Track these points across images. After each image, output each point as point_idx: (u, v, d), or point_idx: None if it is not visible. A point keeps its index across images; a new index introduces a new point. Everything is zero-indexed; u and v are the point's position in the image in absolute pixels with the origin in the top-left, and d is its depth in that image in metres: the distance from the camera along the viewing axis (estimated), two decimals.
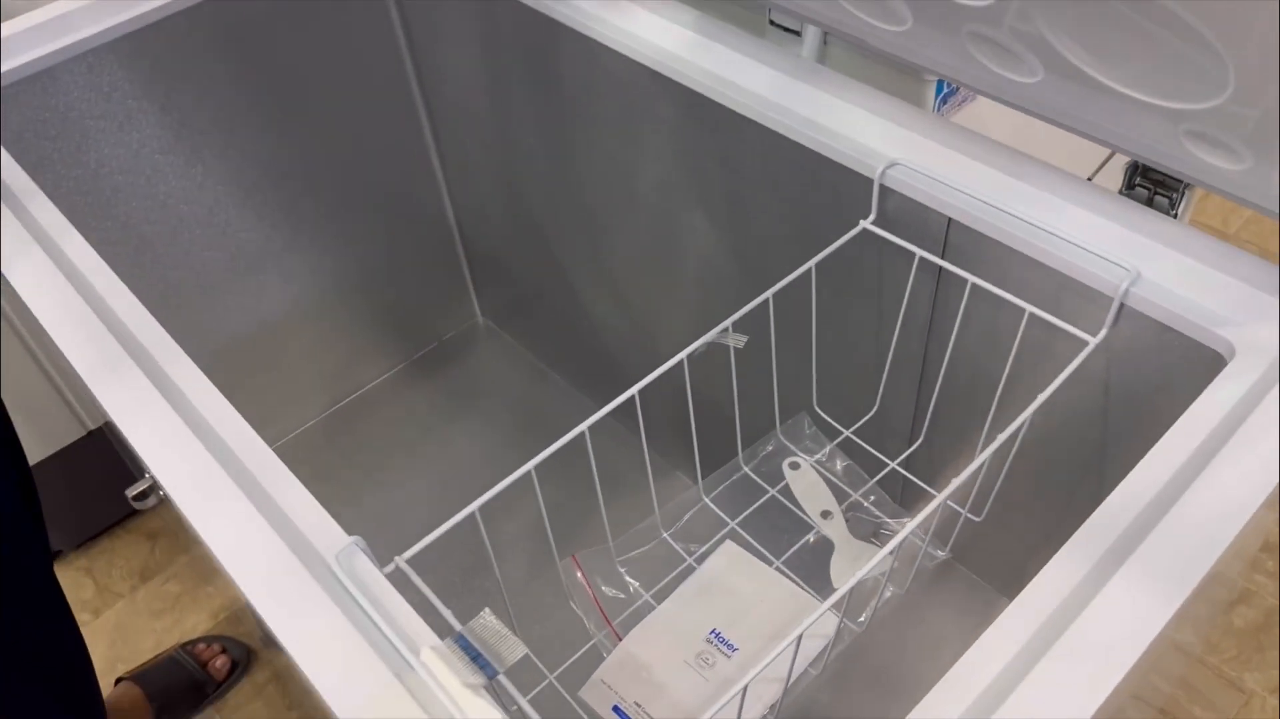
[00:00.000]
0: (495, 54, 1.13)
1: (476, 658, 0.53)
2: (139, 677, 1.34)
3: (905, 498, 0.91)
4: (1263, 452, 0.57)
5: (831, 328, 0.88)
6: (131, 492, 0.65)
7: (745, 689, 0.56)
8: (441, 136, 1.35)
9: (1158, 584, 0.52)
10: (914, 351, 0.87)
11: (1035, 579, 0.53)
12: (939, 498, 0.62)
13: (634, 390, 0.72)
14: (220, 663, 1.38)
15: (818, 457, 0.87)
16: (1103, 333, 0.70)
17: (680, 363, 0.73)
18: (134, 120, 1.08)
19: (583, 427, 0.69)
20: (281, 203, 1.28)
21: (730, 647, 0.75)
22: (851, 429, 0.89)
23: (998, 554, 1.03)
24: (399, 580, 0.58)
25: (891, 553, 0.62)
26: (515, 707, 0.54)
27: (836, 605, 0.73)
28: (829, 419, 0.90)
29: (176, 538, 1.56)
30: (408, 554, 0.61)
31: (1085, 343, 0.70)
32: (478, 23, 1.11)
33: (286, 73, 1.19)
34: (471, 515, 0.66)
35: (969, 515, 0.79)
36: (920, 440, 0.88)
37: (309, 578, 0.56)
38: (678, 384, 0.75)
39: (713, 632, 0.76)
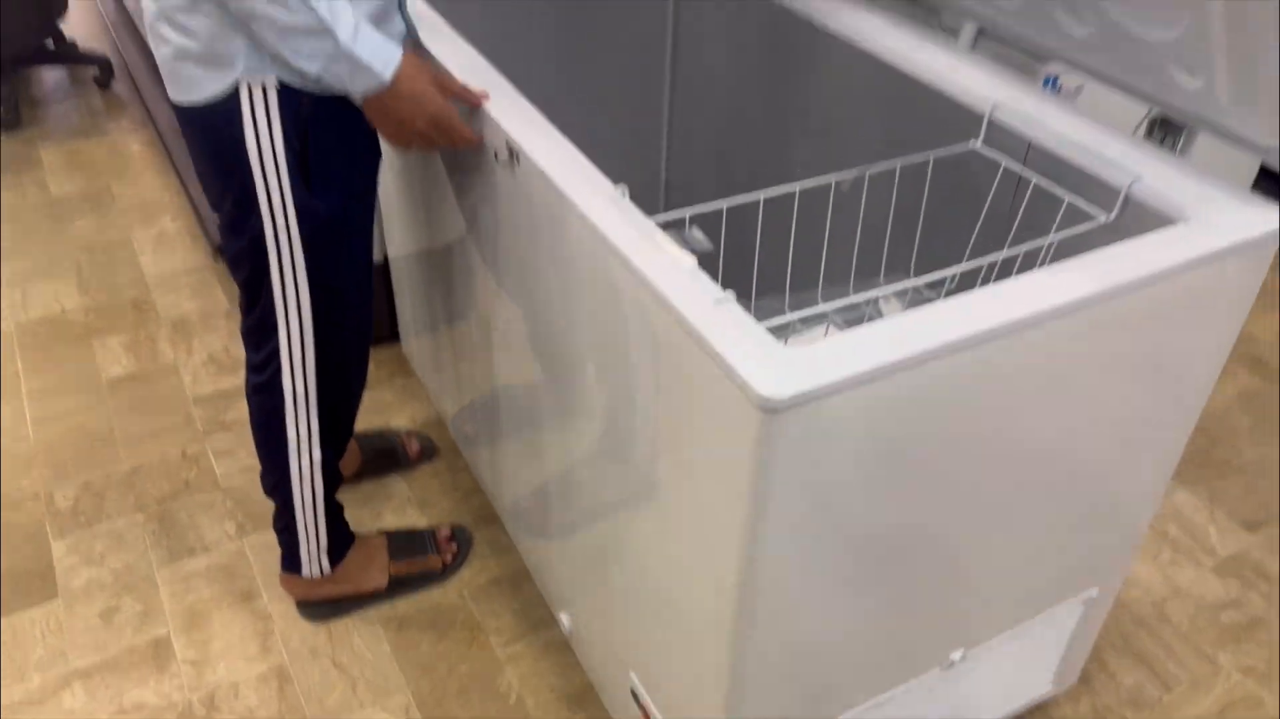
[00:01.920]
0: (741, 49, 1.59)
1: (684, 242, 0.94)
2: (358, 435, 1.77)
3: None
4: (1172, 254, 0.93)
5: (933, 215, 1.26)
6: (500, 157, 1.09)
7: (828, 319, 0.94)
8: (676, 106, 1.81)
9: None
10: (991, 241, 1.24)
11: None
12: (958, 267, 0.99)
13: (798, 187, 1.12)
14: (414, 446, 1.81)
15: (909, 296, 1.24)
16: (1114, 213, 1.07)
17: (828, 197, 1.13)
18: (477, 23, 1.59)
19: (779, 190, 1.10)
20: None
21: None
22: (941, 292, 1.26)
23: None
24: None
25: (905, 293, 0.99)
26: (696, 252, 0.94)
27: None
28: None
29: (398, 363, 2.01)
30: (659, 217, 1.02)
31: (1098, 217, 1.07)
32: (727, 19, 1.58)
33: (578, 31, 1.68)
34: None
35: None
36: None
37: (602, 190, 0.98)
38: (809, 226, 1.14)
39: None
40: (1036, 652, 1.29)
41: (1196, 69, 0.98)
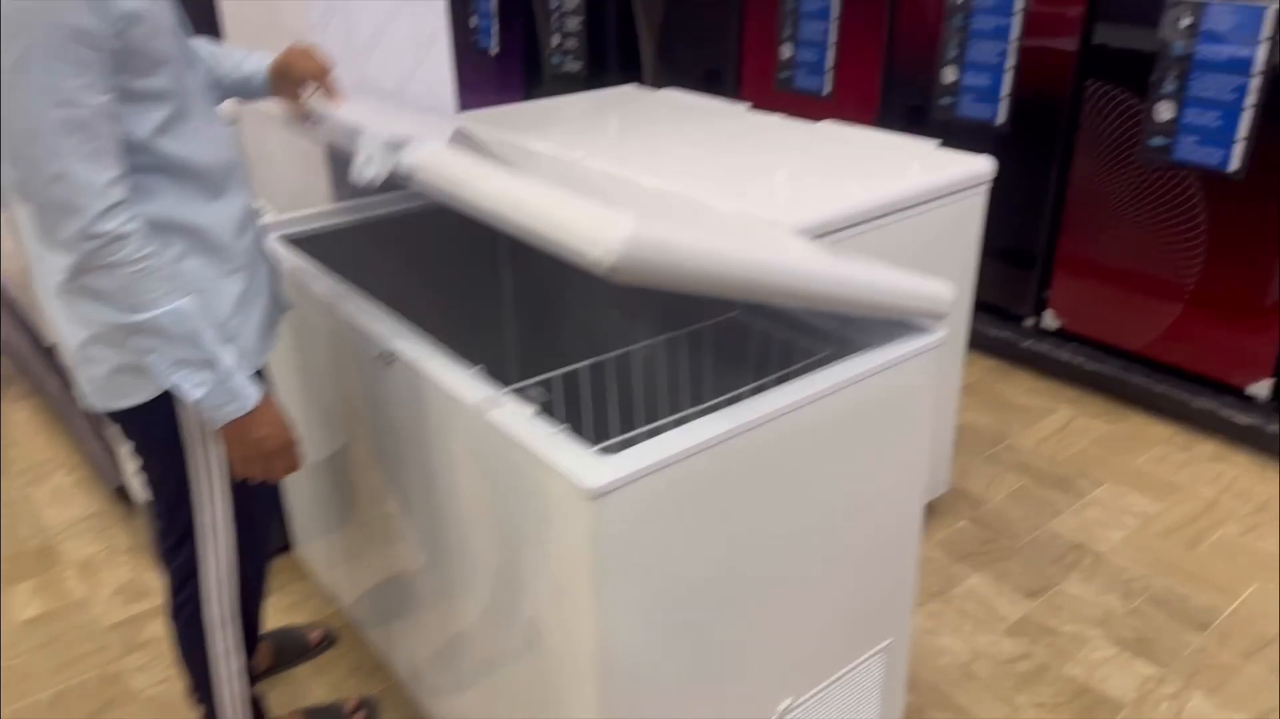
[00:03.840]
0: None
1: (528, 399, 1.28)
2: (266, 635, 1.98)
3: None
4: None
5: (717, 364, 1.65)
6: (379, 354, 1.42)
7: None
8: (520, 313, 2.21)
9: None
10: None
11: None
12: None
13: (611, 356, 1.49)
14: (316, 635, 2.03)
15: None
16: (832, 350, 1.48)
17: (627, 357, 1.51)
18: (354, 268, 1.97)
19: (585, 362, 1.46)
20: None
21: None
22: None
23: None
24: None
25: None
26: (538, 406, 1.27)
27: None
28: None
29: (294, 570, 2.23)
30: (511, 387, 1.37)
31: (824, 352, 1.47)
32: None
33: (433, 262, 2.08)
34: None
35: None
36: None
37: (460, 373, 1.33)
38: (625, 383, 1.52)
39: None
40: (857, 702, 1.59)
41: None
